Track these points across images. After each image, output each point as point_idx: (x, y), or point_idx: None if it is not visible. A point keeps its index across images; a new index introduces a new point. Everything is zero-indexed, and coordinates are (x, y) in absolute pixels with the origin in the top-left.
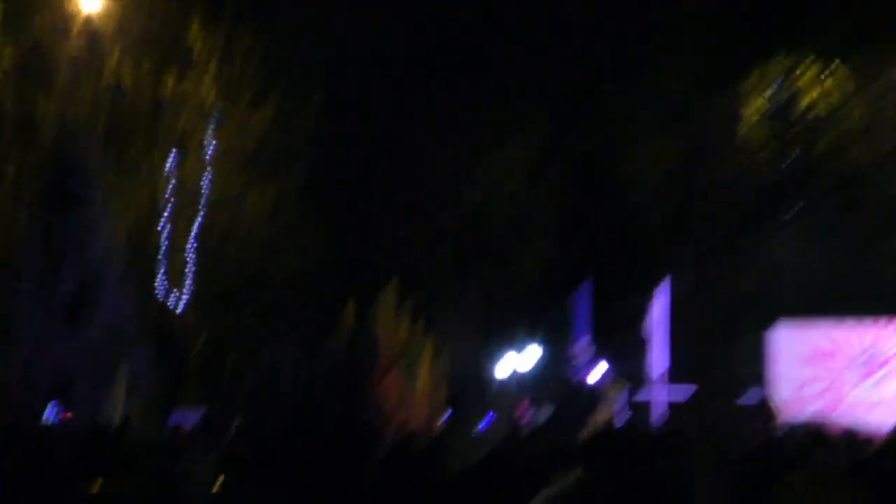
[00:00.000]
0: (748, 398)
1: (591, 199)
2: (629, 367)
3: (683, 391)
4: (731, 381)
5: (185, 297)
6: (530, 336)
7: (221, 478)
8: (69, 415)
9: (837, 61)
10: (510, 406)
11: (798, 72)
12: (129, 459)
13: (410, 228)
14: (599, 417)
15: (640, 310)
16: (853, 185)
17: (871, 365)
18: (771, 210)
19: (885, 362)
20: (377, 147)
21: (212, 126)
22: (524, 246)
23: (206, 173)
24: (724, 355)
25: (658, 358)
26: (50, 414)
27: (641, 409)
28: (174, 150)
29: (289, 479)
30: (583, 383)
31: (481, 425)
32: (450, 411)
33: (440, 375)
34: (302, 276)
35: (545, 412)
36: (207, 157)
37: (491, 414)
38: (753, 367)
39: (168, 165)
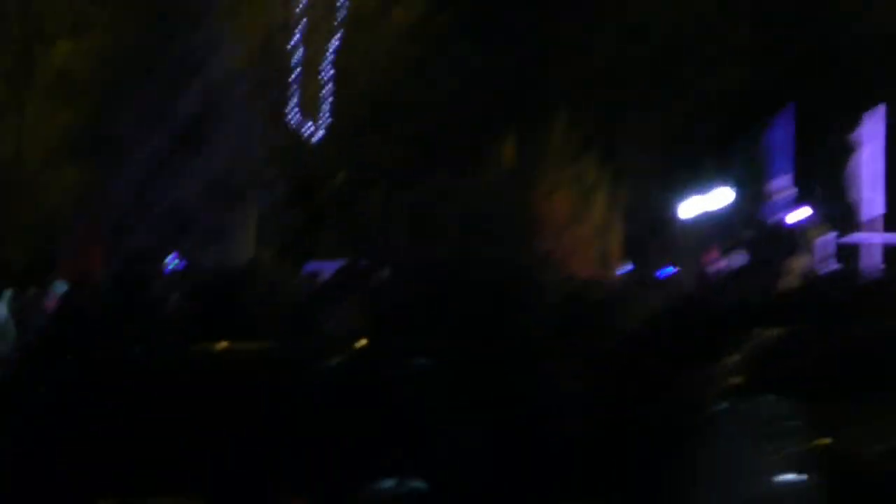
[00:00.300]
0: None
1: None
2: (836, 210)
3: None
4: None
5: (321, 126)
6: (720, 173)
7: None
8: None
9: None
10: (697, 253)
11: None
12: (257, 315)
13: (579, 46)
14: (800, 264)
15: (850, 143)
16: None
17: None
18: None
19: None
20: None
21: None
22: (712, 66)
23: None
24: None
25: (871, 200)
26: (171, 261)
27: (850, 256)
28: None
29: (445, 336)
30: (781, 227)
31: (663, 274)
32: (629, 260)
33: (616, 218)
34: (455, 103)
35: (737, 260)
36: None
37: (675, 263)
38: None
39: None
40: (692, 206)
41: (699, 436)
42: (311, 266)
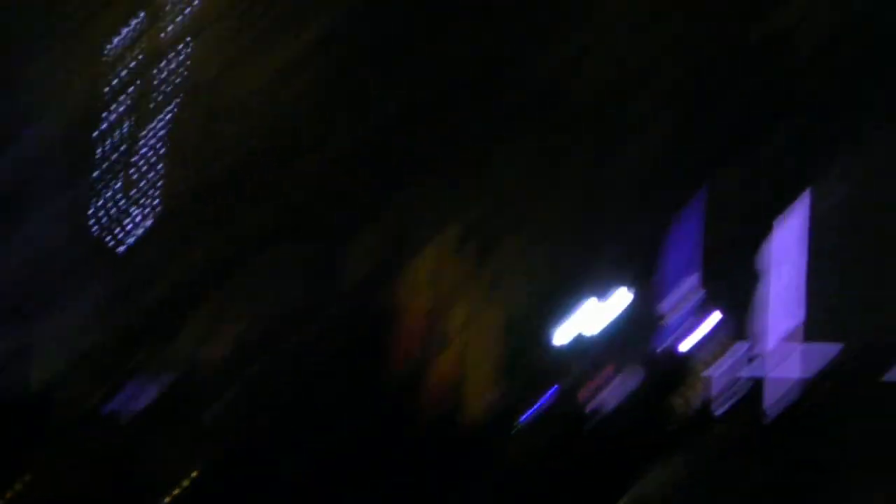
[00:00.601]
0: None
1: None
2: (748, 317)
3: (823, 353)
4: None
5: (149, 210)
6: (616, 274)
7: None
8: None
9: None
10: (584, 374)
11: None
12: (61, 443)
13: (468, 111)
14: (699, 391)
15: (765, 237)
16: None
17: None
18: None
19: None
20: None
21: None
22: (612, 144)
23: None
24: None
25: (789, 305)
26: None
27: (759, 380)
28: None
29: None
30: (682, 342)
31: (542, 401)
32: (503, 382)
33: (493, 329)
34: (317, 181)
35: (631, 383)
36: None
37: (557, 386)
38: None
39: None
40: (583, 314)
41: None
42: (131, 384)
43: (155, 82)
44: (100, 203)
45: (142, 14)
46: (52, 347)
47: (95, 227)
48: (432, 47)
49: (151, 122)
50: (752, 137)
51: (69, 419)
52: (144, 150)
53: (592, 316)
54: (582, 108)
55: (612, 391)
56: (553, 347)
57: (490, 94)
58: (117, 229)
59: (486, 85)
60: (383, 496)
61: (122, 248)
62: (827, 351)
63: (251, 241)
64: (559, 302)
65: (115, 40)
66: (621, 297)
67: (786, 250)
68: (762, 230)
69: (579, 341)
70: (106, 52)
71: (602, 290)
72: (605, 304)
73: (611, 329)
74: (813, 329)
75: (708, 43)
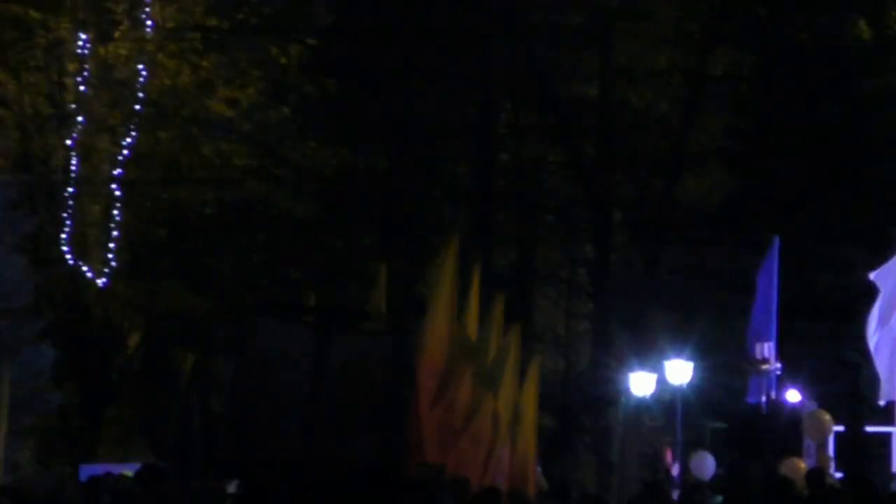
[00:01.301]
0: None
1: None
2: (839, 389)
3: None
4: None
5: (108, 270)
6: (676, 344)
7: None
8: None
9: None
10: (647, 454)
11: None
12: None
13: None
14: (802, 467)
15: (855, 294)
16: None
17: None
18: None
19: None
20: None
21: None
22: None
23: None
24: None
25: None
26: None
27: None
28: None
29: None
30: (775, 408)
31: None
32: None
33: (528, 406)
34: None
35: (703, 464)
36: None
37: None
38: None
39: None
40: (640, 384)
41: None
42: (92, 469)
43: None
44: None
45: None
46: None
47: None
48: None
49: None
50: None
51: None
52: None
53: (653, 388)
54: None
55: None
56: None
57: None
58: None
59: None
60: None
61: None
62: None
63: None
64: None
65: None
66: (684, 369)
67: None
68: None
69: (640, 416)
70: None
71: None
72: (668, 375)
73: (676, 400)
74: None
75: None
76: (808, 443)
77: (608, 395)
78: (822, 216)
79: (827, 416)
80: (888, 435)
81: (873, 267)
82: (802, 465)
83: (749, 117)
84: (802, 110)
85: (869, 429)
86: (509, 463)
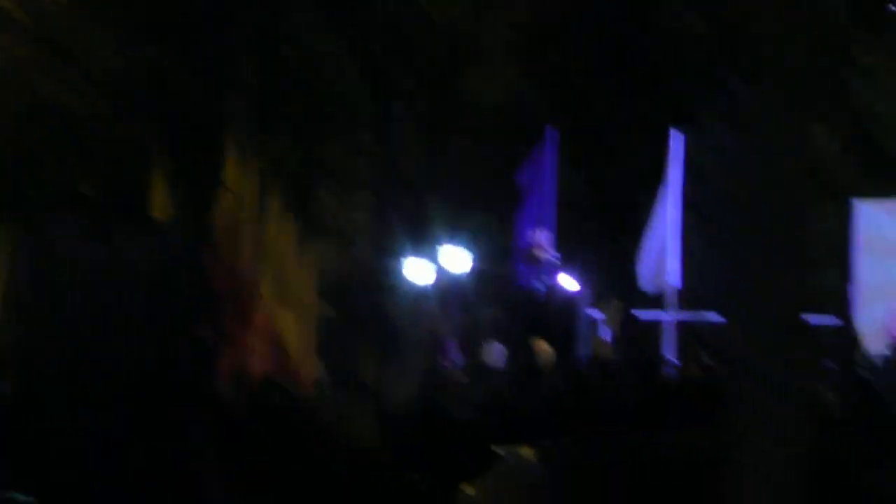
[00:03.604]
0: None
1: None
2: (614, 281)
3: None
4: (790, 298)
5: None
6: (455, 234)
7: None
8: None
9: None
10: (425, 344)
11: None
12: None
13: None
14: (547, 349)
15: (632, 188)
16: None
17: None
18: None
19: None
20: None
21: None
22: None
23: None
24: (776, 254)
25: (660, 268)
26: None
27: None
28: None
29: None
30: (541, 301)
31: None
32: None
33: (312, 292)
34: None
35: (487, 350)
36: None
37: (395, 358)
38: (824, 275)
39: None
40: (418, 273)
41: None
42: None
43: None
44: None
45: None
46: None
47: None
48: None
49: None
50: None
51: None
52: None
53: (432, 275)
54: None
55: (467, 356)
56: (392, 311)
57: None
58: None
59: None
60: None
61: None
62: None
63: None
64: (396, 261)
65: None
66: (462, 256)
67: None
68: (626, 184)
69: (420, 305)
70: None
71: (440, 247)
72: (445, 262)
73: (454, 288)
74: (689, 296)
75: None
76: (586, 329)
77: (387, 284)
78: (604, 110)
79: (618, 304)
80: (659, 322)
81: (654, 160)
82: (547, 347)
83: (534, 12)
84: (588, 4)
85: (642, 316)
86: (290, 352)
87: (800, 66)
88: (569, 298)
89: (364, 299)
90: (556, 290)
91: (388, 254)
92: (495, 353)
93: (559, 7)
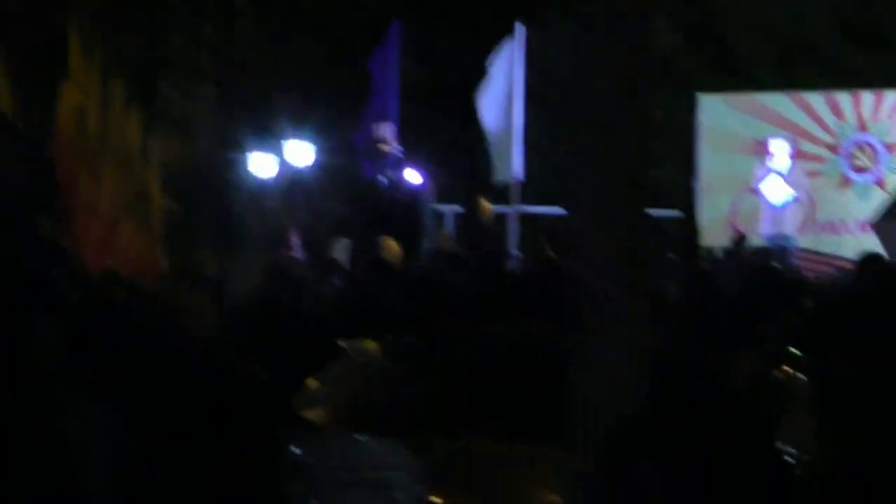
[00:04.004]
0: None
1: None
2: (458, 171)
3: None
4: (633, 191)
5: None
6: (298, 126)
7: None
8: None
9: None
10: (269, 238)
11: None
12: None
13: None
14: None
15: (476, 75)
16: None
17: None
18: None
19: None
20: None
21: None
22: None
23: None
24: (619, 146)
25: (505, 161)
26: None
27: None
28: None
29: None
30: (385, 195)
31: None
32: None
33: (155, 181)
34: None
35: (331, 245)
36: None
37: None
38: (667, 168)
39: None
40: (261, 166)
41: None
42: None
43: None
44: None
45: None
46: None
47: None
48: None
49: None
50: None
51: None
52: None
53: (276, 168)
54: None
55: (311, 250)
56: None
57: None
58: None
59: None
60: None
61: None
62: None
63: None
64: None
65: None
66: (304, 149)
67: (497, 97)
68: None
69: (263, 197)
70: None
71: (283, 140)
72: (289, 155)
73: (298, 182)
74: (533, 189)
75: None
76: (429, 223)
77: (230, 177)
78: (448, 2)
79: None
80: (503, 215)
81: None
82: (392, 242)
83: None
84: None
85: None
86: (133, 246)
87: None
88: (413, 192)
89: (207, 193)
90: (400, 184)
91: (231, 147)
92: (339, 247)
93: None
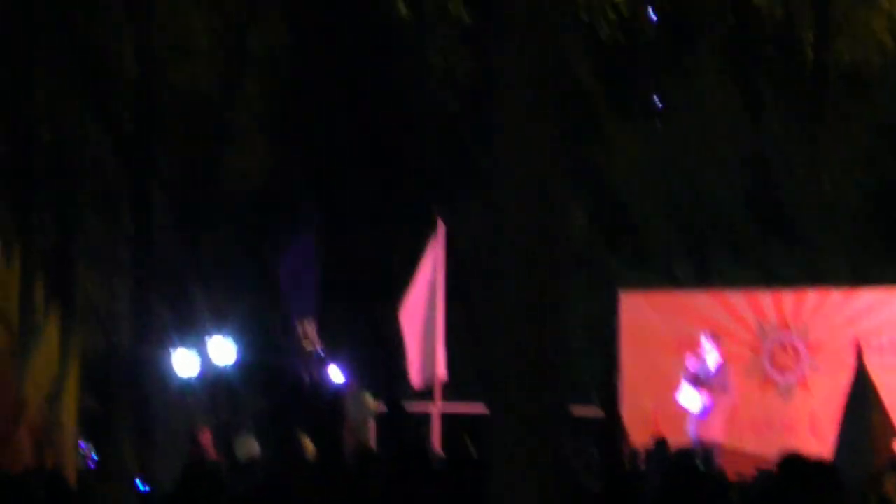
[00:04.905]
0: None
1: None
2: (380, 373)
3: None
4: (554, 387)
5: None
6: (220, 323)
7: None
8: None
9: None
10: (184, 434)
11: None
12: None
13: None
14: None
15: (397, 275)
16: None
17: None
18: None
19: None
20: None
21: None
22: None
23: None
24: (541, 344)
25: (427, 359)
26: None
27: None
28: None
29: None
30: (307, 393)
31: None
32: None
33: (70, 385)
34: None
35: (239, 443)
36: None
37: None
38: (589, 363)
39: None
40: (183, 364)
41: None
42: None
43: None
44: None
45: None
46: None
47: None
48: None
49: None
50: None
51: None
52: None
53: (192, 366)
54: None
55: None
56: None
57: None
58: None
59: None
60: None
61: None
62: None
63: None
64: (155, 351)
65: None
66: (224, 347)
67: (422, 293)
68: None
69: (178, 395)
70: None
71: (203, 338)
72: (210, 352)
73: (216, 379)
74: (455, 386)
75: None
76: (354, 419)
77: (151, 374)
78: (363, 194)
79: (369, 398)
80: (427, 416)
81: (415, 245)
82: (308, 441)
83: (290, 96)
84: (343, 88)
85: (409, 407)
86: (53, 441)
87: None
88: (334, 390)
89: (126, 388)
90: (322, 381)
91: (151, 342)
92: (247, 445)
93: (313, 93)
